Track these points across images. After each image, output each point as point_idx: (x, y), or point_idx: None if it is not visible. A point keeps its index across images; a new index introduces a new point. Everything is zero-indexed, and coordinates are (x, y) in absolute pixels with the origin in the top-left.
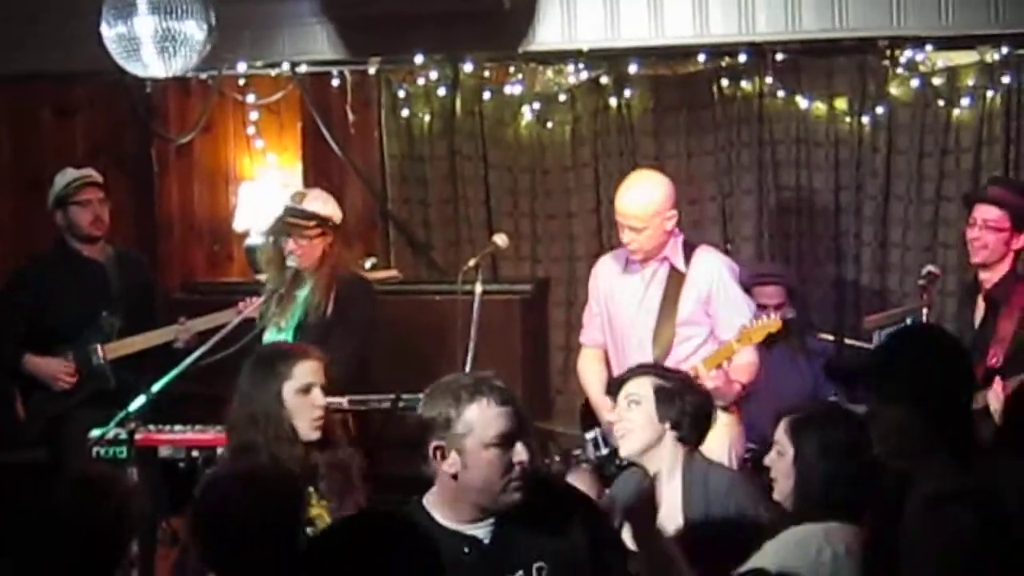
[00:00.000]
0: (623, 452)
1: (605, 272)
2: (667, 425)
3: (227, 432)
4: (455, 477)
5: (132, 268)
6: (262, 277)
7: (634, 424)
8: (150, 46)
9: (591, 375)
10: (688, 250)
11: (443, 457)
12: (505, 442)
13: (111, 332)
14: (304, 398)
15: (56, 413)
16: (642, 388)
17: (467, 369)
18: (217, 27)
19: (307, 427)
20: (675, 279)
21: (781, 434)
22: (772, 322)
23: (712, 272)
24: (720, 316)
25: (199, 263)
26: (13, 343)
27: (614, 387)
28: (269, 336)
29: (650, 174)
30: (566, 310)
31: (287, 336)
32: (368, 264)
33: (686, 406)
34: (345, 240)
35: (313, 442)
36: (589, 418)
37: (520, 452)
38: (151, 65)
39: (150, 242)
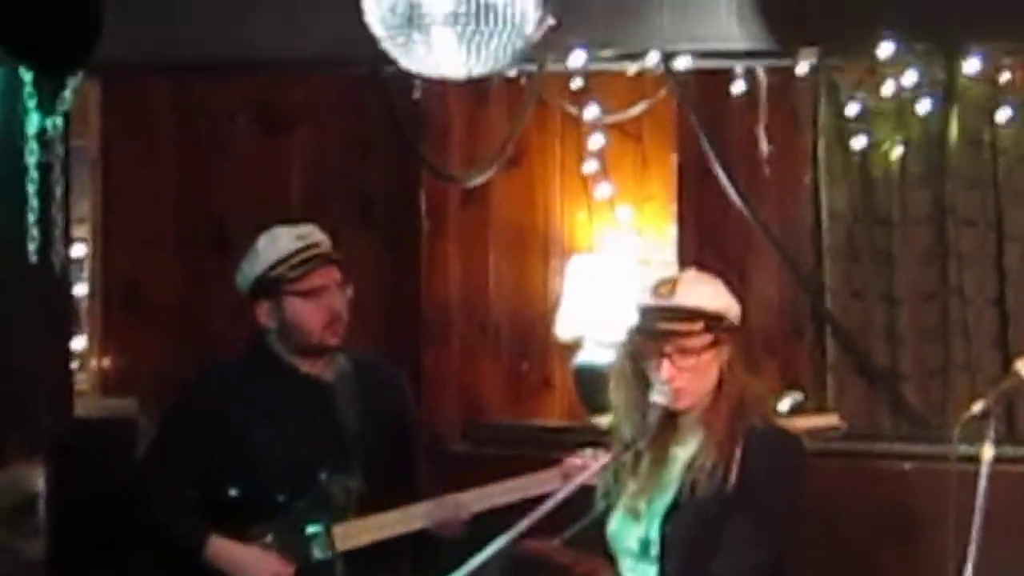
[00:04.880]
0: None
1: None
2: None
3: None
4: None
5: (381, 392)
6: (604, 421)
7: None
8: (446, 29)
9: None
10: None
11: None
12: None
13: (346, 504)
14: None
15: None
16: None
17: None
18: None
19: None
20: None
21: None
22: None
23: None
24: None
25: (494, 391)
26: (188, 513)
27: None
28: (618, 525)
29: None
30: None
31: (649, 528)
32: (787, 403)
33: None
34: (749, 359)
35: None
36: None
37: None
38: (444, 59)
39: (408, 350)
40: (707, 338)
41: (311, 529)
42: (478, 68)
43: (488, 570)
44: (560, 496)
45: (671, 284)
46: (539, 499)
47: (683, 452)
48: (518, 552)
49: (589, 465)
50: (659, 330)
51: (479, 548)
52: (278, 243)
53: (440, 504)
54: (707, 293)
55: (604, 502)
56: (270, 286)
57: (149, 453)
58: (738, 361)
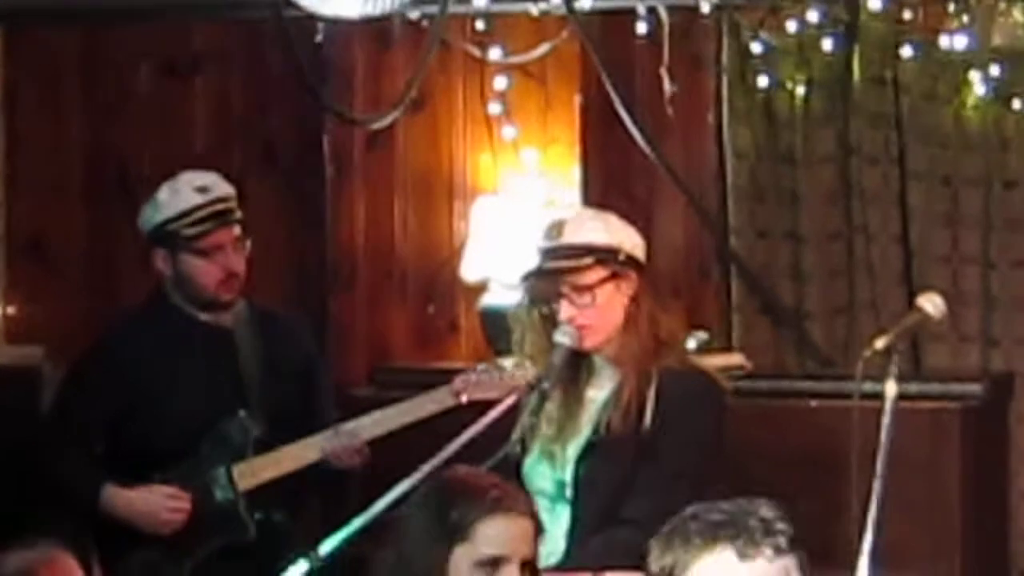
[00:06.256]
0: None
1: None
2: None
3: None
4: None
5: (281, 339)
6: (509, 362)
7: None
8: None
9: None
10: None
11: None
12: None
13: (244, 444)
14: None
15: None
16: None
17: (868, 526)
18: None
19: None
20: None
21: None
22: None
23: None
24: None
25: (401, 335)
26: (87, 465)
27: None
28: (531, 467)
29: None
30: None
31: (564, 470)
32: (693, 343)
33: None
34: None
35: None
36: None
37: None
38: None
39: (314, 296)
40: (600, 272)
41: (212, 471)
42: (371, 7)
43: (412, 499)
44: (469, 434)
45: (560, 225)
46: (434, 418)
47: (598, 394)
48: (433, 480)
49: (480, 380)
50: (549, 269)
51: (386, 489)
52: (179, 196)
53: (334, 434)
54: (596, 228)
55: (519, 444)
56: (167, 238)
57: (52, 408)
58: (646, 297)
